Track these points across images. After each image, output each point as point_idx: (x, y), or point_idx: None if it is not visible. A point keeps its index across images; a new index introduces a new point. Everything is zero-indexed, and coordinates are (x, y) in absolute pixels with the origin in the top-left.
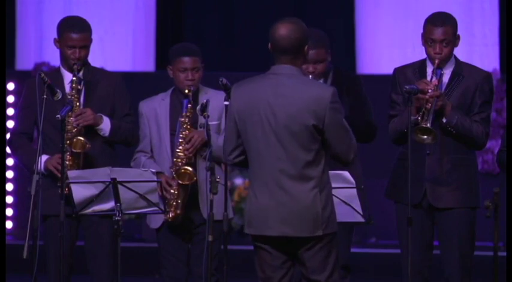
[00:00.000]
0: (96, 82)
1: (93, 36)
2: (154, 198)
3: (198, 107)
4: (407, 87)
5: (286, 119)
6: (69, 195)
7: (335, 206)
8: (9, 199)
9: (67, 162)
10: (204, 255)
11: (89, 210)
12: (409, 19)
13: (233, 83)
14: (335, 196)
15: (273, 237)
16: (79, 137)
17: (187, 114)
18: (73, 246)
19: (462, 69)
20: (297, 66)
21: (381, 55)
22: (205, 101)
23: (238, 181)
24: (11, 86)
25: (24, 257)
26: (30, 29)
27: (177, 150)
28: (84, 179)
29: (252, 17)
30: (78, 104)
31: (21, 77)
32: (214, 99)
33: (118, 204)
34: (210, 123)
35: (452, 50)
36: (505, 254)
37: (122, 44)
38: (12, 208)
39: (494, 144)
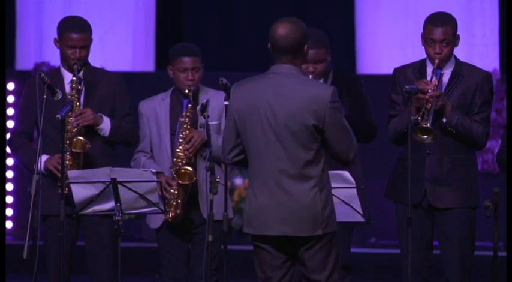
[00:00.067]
0: (96, 82)
1: (93, 36)
2: (154, 198)
3: (198, 107)
4: (407, 87)
5: (286, 119)
6: (69, 195)
7: (335, 206)
8: (9, 199)
9: (67, 162)
10: (204, 255)
11: (89, 210)
12: (409, 19)
13: (233, 83)
14: (335, 196)
15: (273, 236)
16: (79, 137)
17: (188, 114)
18: (73, 246)
19: (462, 69)
20: (296, 66)
21: (381, 55)
22: (205, 101)
23: (238, 181)
24: (11, 86)
25: (24, 257)
26: (30, 29)
27: (177, 150)
28: (84, 179)
29: (252, 17)
30: (78, 104)
31: (21, 77)
32: (214, 99)
33: (118, 204)
34: (210, 123)
35: (452, 50)
36: (505, 254)
37: (122, 44)
38: (12, 208)
39: (494, 144)
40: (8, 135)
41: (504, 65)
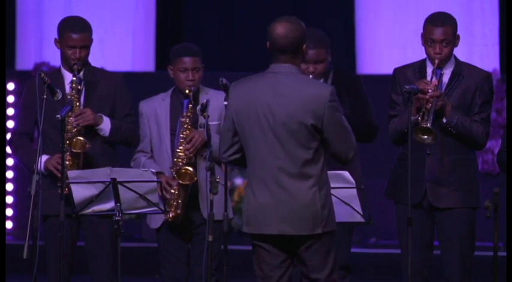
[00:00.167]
0: (97, 82)
1: (93, 37)
2: (154, 198)
3: (198, 107)
4: (407, 87)
5: (285, 118)
6: (69, 195)
7: (335, 206)
8: (9, 199)
9: (67, 162)
10: (204, 255)
11: (89, 210)
12: (409, 19)
13: None
14: (335, 196)
15: (272, 235)
16: (79, 137)
17: (188, 114)
18: (74, 246)
19: (462, 69)
20: (295, 65)
21: (381, 55)
22: (205, 101)
23: (238, 181)
24: (11, 86)
25: (24, 257)
26: (30, 29)
27: (178, 150)
28: (84, 179)
29: (252, 17)
30: (78, 104)
31: (21, 77)
32: (215, 100)
33: (118, 204)
34: (210, 123)
35: (452, 50)
36: (505, 254)
37: (122, 44)
38: (12, 208)
39: (494, 144)
40: (8, 135)
41: (504, 65)
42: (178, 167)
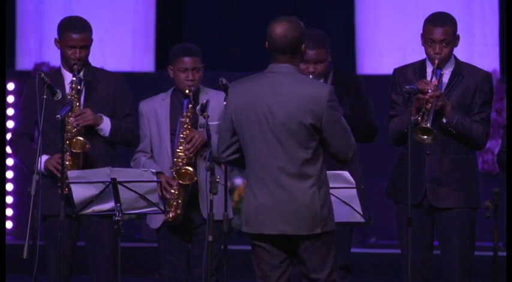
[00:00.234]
0: (97, 82)
1: (93, 37)
2: (154, 198)
3: (198, 107)
4: (407, 87)
5: (284, 118)
6: (69, 195)
7: (335, 206)
8: (9, 199)
9: (67, 162)
10: (204, 255)
11: (89, 211)
12: (409, 19)
13: None
14: (335, 196)
15: (272, 235)
16: (78, 137)
17: (188, 114)
18: (74, 246)
19: (462, 69)
20: (294, 65)
21: (381, 55)
22: (205, 101)
23: (238, 181)
24: (11, 86)
25: (24, 257)
26: (30, 29)
27: (178, 150)
28: (84, 179)
29: (252, 17)
30: (78, 104)
31: (21, 77)
32: (214, 100)
33: (118, 204)
34: (210, 123)
35: (452, 50)
36: (505, 254)
37: (122, 44)
38: (12, 208)
39: (494, 144)
40: (8, 135)
41: (504, 65)
42: (178, 167)
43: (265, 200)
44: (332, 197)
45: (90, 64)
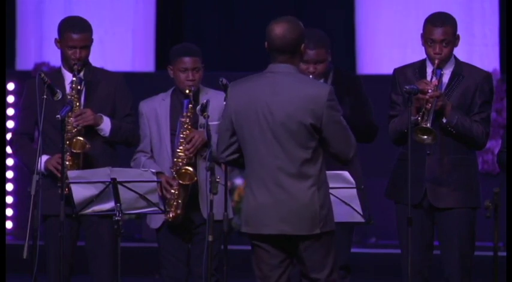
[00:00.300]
0: (97, 82)
1: (93, 37)
2: (154, 198)
3: (198, 107)
4: (407, 87)
5: (284, 117)
6: (69, 195)
7: (335, 206)
8: (9, 199)
9: (67, 163)
10: (204, 255)
11: (89, 211)
12: (409, 19)
13: None
14: (335, 196)
15: (271, 235)
16: (78, 137)
17: (188, 114)
18: (74, 246)
19: (462, 69)
20: (294, 65)
21: (381, 55)
22: (205, 101)
23: (238, 181)
24: (11, 86)
25: (24, 257)
26: (30, 29)
27: (178, 150)
28: (84, 179)
29: (252, 17)
30: (78, 104)
31: (21, 77)
32: (215, 100)
33: (118, 204)
34: (210, 123)
35: (452, 50)
36: (505, 254)
37: (122, 44)
38: (12, 208)
39: (494, 144)
40: (8, 135)
41: (504, 65)
42: (178, 167)
43: (264, 200)
44: (332, 197)
45: (90, 64)
